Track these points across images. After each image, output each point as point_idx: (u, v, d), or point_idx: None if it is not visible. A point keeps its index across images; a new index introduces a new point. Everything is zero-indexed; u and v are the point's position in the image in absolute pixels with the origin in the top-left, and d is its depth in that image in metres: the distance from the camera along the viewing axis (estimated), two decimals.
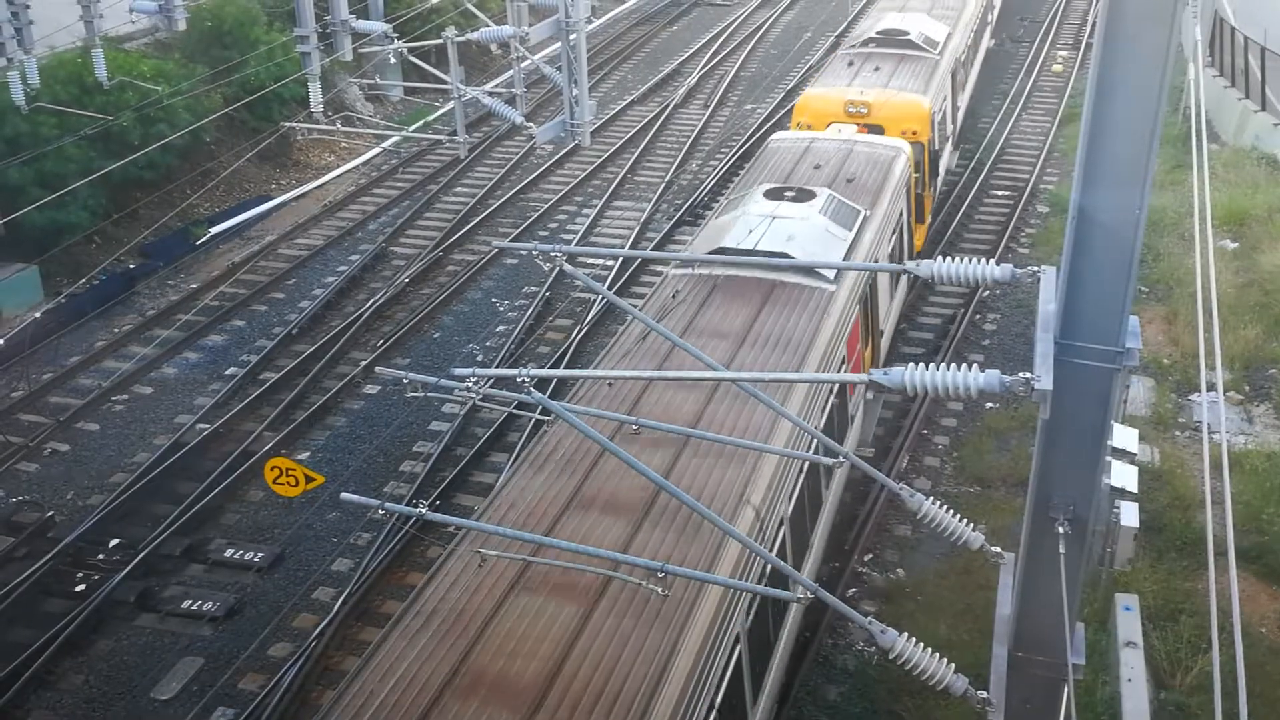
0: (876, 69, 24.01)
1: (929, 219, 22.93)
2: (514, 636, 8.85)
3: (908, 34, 25.41)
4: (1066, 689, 8.19)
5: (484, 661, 8.65)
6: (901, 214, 18.80)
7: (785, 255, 14.66)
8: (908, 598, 14.89)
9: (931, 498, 9.04)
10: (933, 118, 22.34)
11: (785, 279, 14.43)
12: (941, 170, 24.49)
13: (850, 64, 24.54)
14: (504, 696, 8.31)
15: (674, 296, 14.16)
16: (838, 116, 21.71)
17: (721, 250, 14.93)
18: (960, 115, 27.85)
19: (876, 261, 16.20)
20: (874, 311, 16.62)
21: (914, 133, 21.21)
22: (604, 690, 8.39)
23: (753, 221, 15.51)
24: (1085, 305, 7.13)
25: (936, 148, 22.79)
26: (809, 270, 14.46)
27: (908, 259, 19.11)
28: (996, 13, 36.56)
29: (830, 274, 14.58)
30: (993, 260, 7.83)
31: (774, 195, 16.37)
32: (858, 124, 21.60)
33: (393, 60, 19.37)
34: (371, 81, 29.80)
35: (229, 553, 15.93)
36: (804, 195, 16.23)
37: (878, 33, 25.93)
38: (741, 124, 31.32)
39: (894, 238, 18.05)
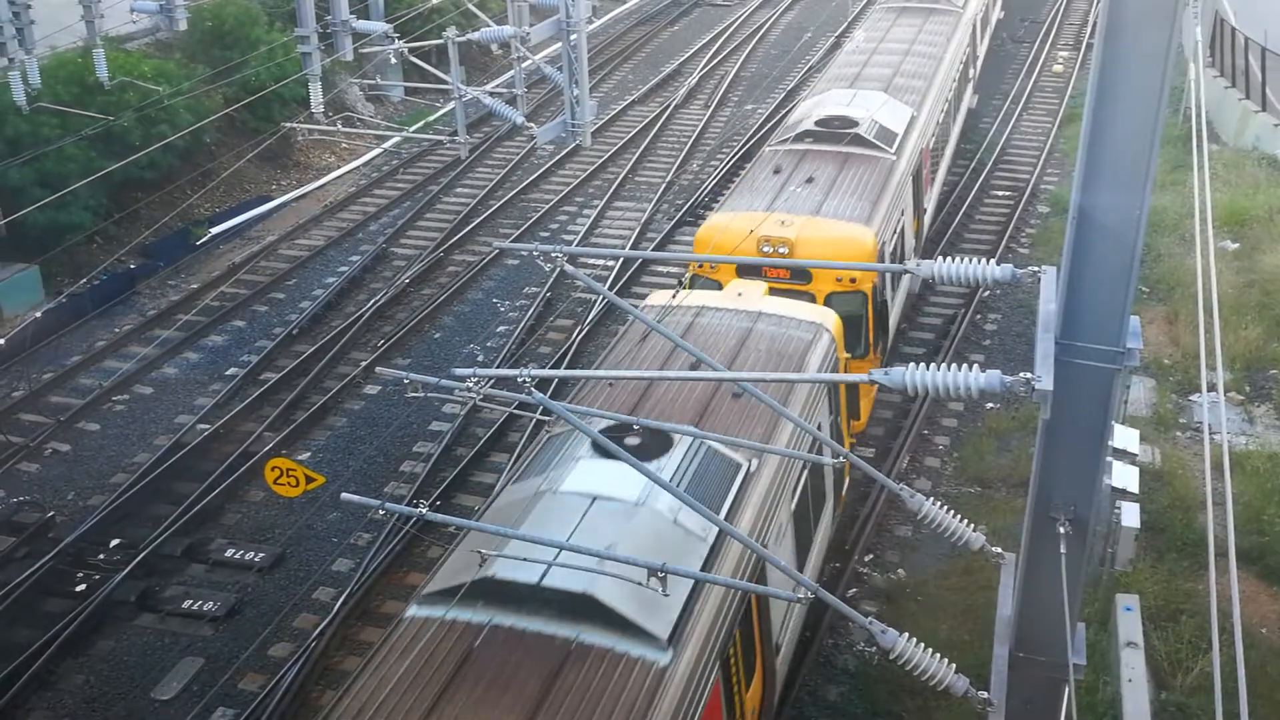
0: (810, 180, 18.20)
1: (864, 420, 17.20)
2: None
3: (856, 125, 19.66)
4: (1067, 689, 8.19)
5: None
6: (803, 479, 12.62)
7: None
8: (908, 598, 14.89)
9: (932, 498, 9.04)
10: (881, 250, 17.04)
11: None
12: (894, 319, 18.67)
13: (777, 171, 18.65)
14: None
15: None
16: (750, 252, 16.19)
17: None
18: (927, 219, 22.38)
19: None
20: None
21: (852, 281, 16.27)
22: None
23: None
24: (1086, 305, 7.12)
25: (885, 296, 17.11)
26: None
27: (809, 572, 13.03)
28: (980, 63, 31.54)
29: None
30: (993, 260, 7.83)
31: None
32: (772, 275, 16.12)
33: (393, 60, 19.38)
34: (372, 82, 29.81)
35: (229, 553, 15.94)
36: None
37: (817, 123, 20.02)
38: (742, 124, 31.31)
39: (786, 537, 11.90)
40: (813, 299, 15.92)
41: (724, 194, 20.30)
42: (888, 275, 17.04)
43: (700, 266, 16.48)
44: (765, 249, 16.26)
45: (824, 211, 17.22)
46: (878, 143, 19.43)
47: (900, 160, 19.38)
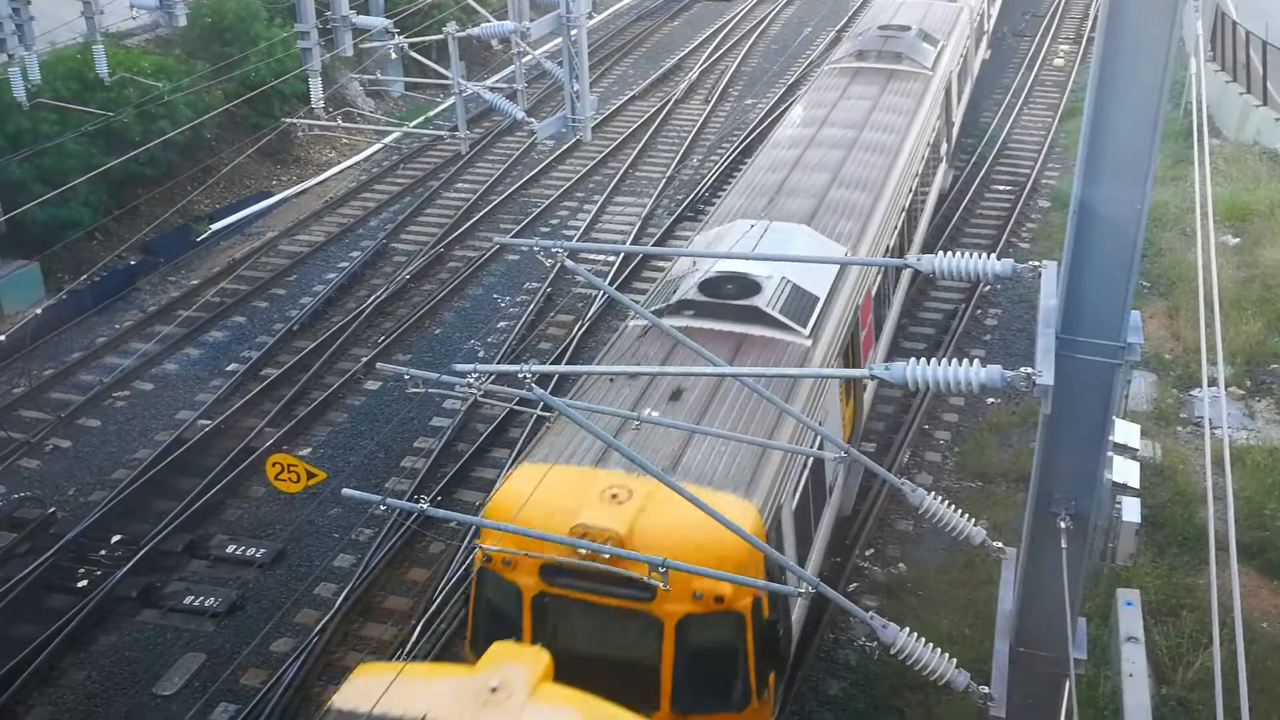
0: (677, 394, 11.96)
1: None
2: None
3: (756, 293, 13.31)
4: (1068, 684, 8.20)
5: None
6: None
7: None
8: (909, 593, 14.89)
9: (933, 493, 9.05)
10: (773, 528, 10.80)
11: None
12: (790, 654, 11.63)
13: (631, 379, 12.24)
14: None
15: None
16: (560, 551, 9.91)
17: None
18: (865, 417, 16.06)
19: None
20: None
21: (718, 600, 9.93)
22: None
23: None
24: (1087, 300, 7.12)
25: (773, 617, 10.48)
26: None
27: None
28: (958, 128, 26.05)
29: None
30: (994, 255, 7.82)
31: None
32: (590, 588, 10.13)
33: (393, 56, 19.36)
34: (372, 77, 29.72)
35: (231, 549, 15.94)
36: None
37: (701, 290, 13.48)
38: (742, 119, 31.29)
39: None
40: (656, 629, 10.06)
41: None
42: (783, 573, 10.50)
43: (488, 559, 10.39)
44: (581, 547, 9.65)
45: (683, 468, 10.78)
46: (786, 321, 13.14)
47: (818, 345, 13.13)
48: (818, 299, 13.79)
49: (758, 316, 13.14)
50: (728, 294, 13.43)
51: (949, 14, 26.34)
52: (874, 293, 15.89)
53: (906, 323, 21.14)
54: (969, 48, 27.11)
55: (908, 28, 24.03)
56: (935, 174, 22.63)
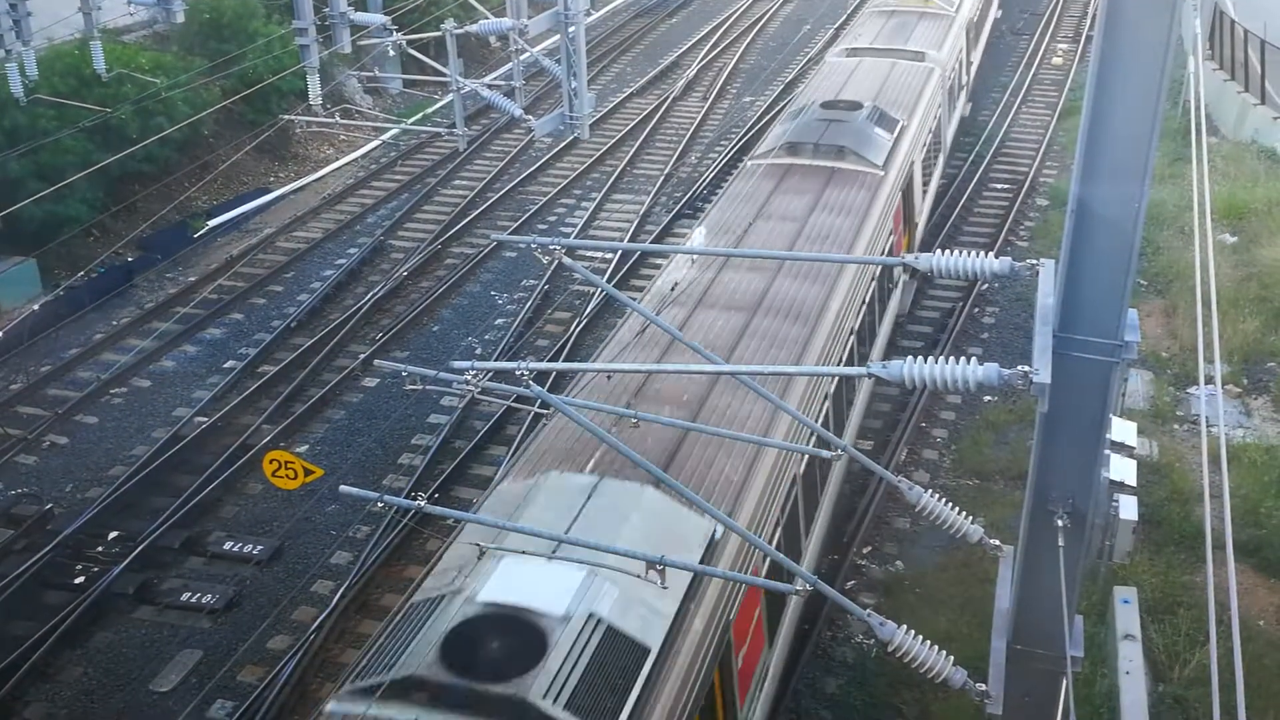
0: None
1: None
2: None
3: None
4: (1065, 681, 8.20)
5: None
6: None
7: None
8: (907, 590, 14.90)
9: (930, 491, 9.05)
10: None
11: None
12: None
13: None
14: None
15: None
16: None
17: None
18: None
19: None
20: None
21: None
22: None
23: None
24: (1084, 298, 7.12)
25: None
26: None
27: None
28: (921, 233, 21.22)
29: None
30: (992, 253, 7.82)
31: None
32: None
33: (391, 53, 19.34)
34: (370, 74, 29.69)
35: (228, 545, 15.93)
36: None
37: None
38: (740, 116, 31.28)
39: None
40: None
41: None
42: None
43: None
44: None
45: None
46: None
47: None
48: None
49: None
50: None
51: (915, 79, 21.95)
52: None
53: (904, 321, 21.14)
54: (940, 117, 22.94)
55: (858, 106, 19.53)
56: (886, 312, 17.82)
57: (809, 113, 19.58)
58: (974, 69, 29.29)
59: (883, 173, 17.77)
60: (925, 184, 20.96)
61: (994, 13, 34.95)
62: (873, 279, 15.80)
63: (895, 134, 19.09)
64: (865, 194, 17.05)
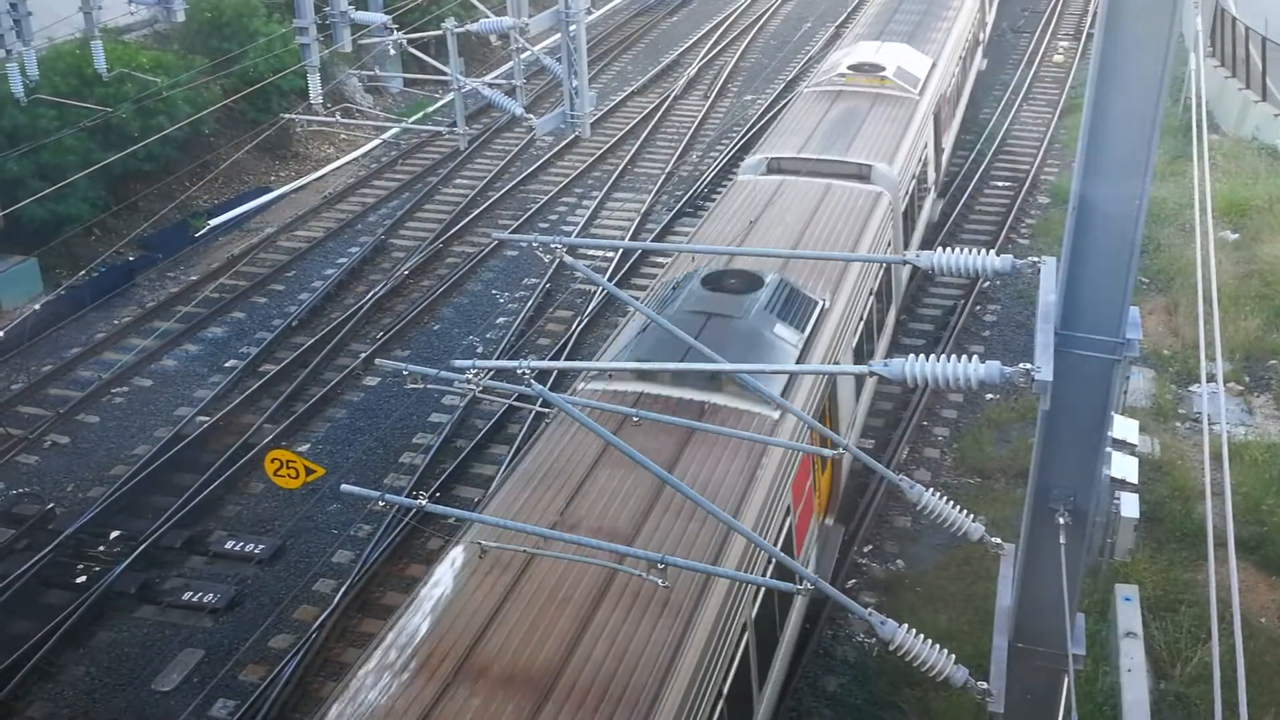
0: None
1: None
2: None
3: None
4: (1067, 679, 8.20)
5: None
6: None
7: None
8: (908, 589, 14.90)
9: (931, 489, 9.04)
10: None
11: None
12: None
13: None
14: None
15: None
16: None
17: None
18: None
19: None
20: None
21: None
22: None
23: None
24: (1086, 296, 7.11)
25: None
26: None
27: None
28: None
29: None
30: (993, 251, 7.81)
31: None
32: None
33: (392, 52, 19.33)
34: (371, 73, 29.71)
35: (229, 545, 15.94)
36: None
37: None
38: (742, 114, 31.27)
39: None
40: None
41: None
42: None
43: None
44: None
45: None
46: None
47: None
48: None
49: None
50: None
51: (850, 219, 16.41)
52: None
53: (905, 319, 21.13)
54: (884, 279, 16.99)
55: (756, 284, 13.43)
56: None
57: (682, 299, 13.06)
58: (945, 156, 24.26)
59: (776, 417, 11.68)
60: (854, 411, 15.04)
61: (978, 63, 30.94)
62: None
63: (807, 332, 13.18)
64: (746, 465, 11.03)
